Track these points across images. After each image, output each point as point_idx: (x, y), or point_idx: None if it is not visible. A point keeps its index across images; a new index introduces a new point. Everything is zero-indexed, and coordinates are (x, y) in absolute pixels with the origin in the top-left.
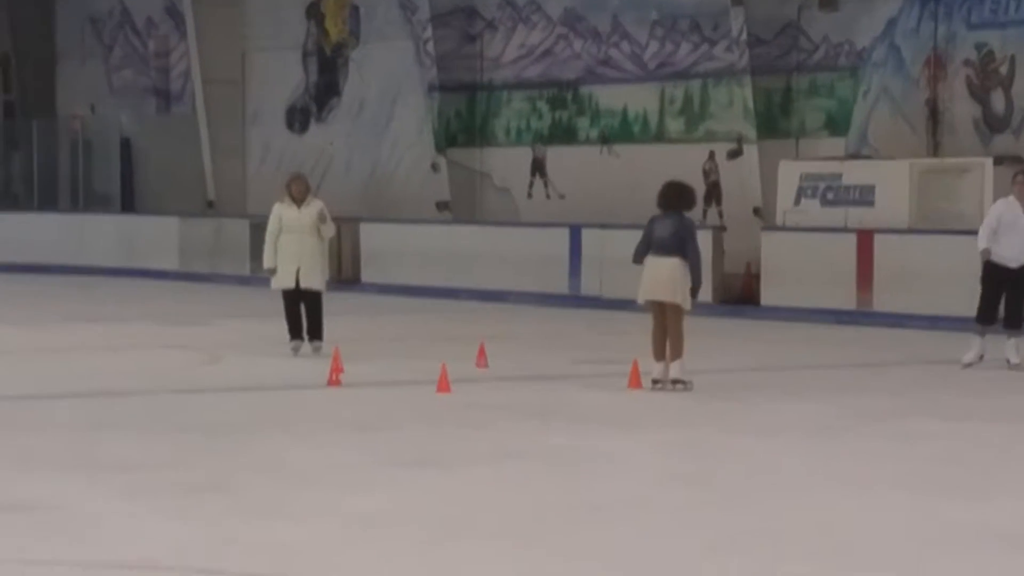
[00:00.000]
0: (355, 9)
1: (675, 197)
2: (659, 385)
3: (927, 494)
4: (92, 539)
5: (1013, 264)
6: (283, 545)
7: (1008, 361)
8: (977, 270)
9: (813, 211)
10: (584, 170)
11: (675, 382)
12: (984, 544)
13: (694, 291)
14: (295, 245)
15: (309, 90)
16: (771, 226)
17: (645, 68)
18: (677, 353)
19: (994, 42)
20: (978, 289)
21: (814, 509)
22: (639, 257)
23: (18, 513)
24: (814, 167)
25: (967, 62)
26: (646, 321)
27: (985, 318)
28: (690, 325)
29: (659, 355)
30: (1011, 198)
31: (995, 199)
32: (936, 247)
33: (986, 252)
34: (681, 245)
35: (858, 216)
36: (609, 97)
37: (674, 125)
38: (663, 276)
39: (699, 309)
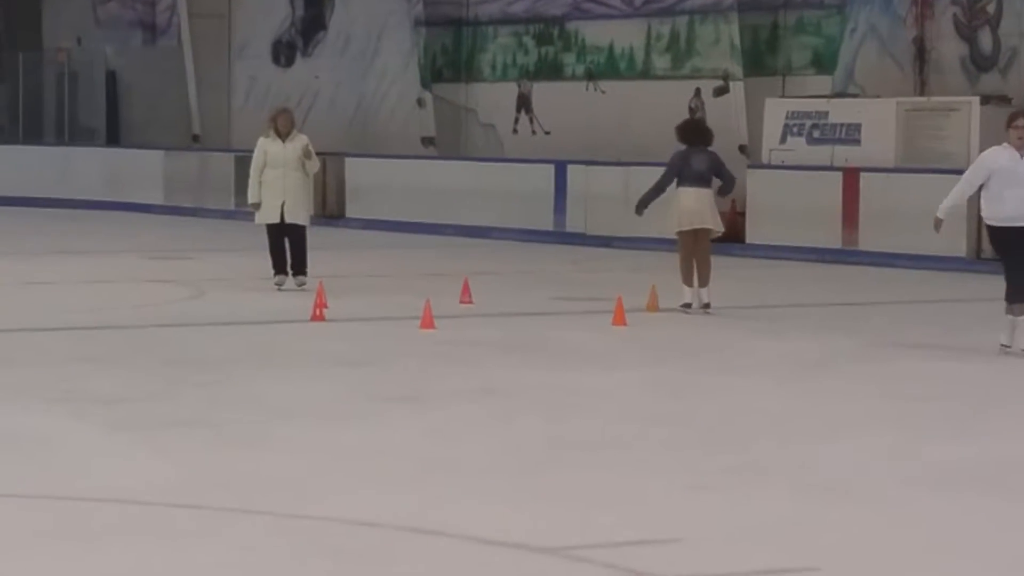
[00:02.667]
0: None
1: (704, 132)
2: (690, 309)
3: (909, 433)
4: (71, 473)
5: (1021, 223)
6: (264, 479)
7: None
8: (962, 208)
9: (799, 149)
10: (570, 106)
11: (707, 306)
12: (965, 483)
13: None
14: (280, 180)
15: (295, 24)
16: (757, 164)
17: (631, 4)
18: (709, 278)
19: None
20: (963, 228)
21: (796, 448)
22: (660, 191)
23: None
24: (800, 105)
25: (954, 1)
26: (631, 258)
27: (1015, 295)
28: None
29: (690, 281)
30: (1006, 146)
31: (981, 138)
32: (922, 186)
33: (940, 223)
34: (714, 176)
35: (844, 154)
36: (595, 33)
37: (660, 62)
38: (705, 205)
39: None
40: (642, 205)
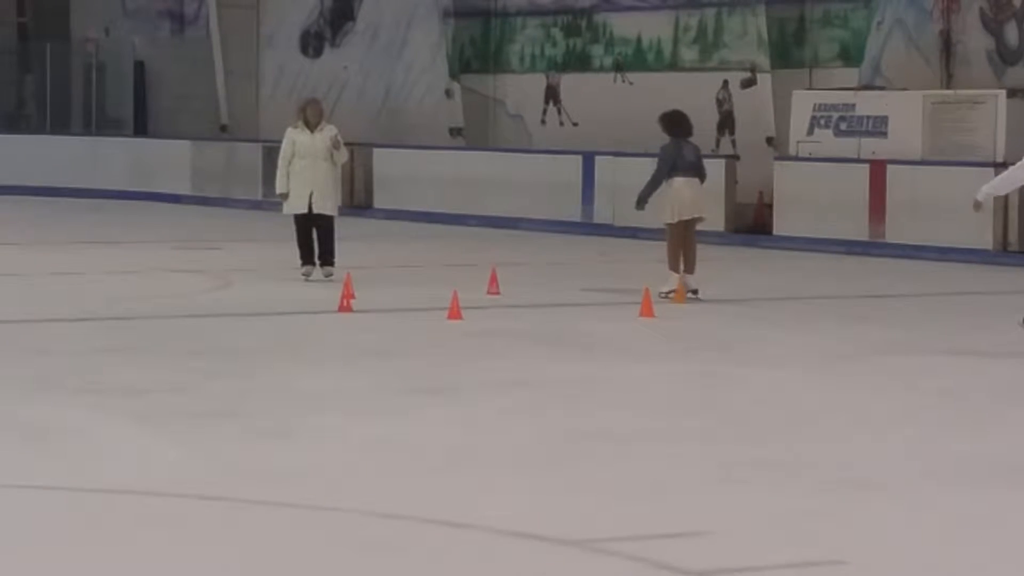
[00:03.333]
0: None
1: (688, 123)
2: (670, 296)
3: (935, 426)
4: (96, 465)
5: None
6: (290, 471)
7: None
8: (988, 200)
9: (826, 141)
10: (598, 98)
11: (695, 292)
12: (990, 477)
13: None
14: (308, 170)
15: (324, 14)
16: (784, 156)
17: None
18: (695, 265)
19: None
20: (989, 221)
21: (824, 441)
22: (657, 184)
23: (25, 436)
24: (827, 97)
25: None
26: (658, 249)
27: None
28: (704, 253)
29: (678, 268)
30: None
31: (1008, 131)
32: (948, 179)
33: (979, 205)
34: (702, 166)
35: (871, 147)
36: (623, 25)
37: (688, 54)
38: (699, 194)
39: (712, 237)
40: (643, 200)
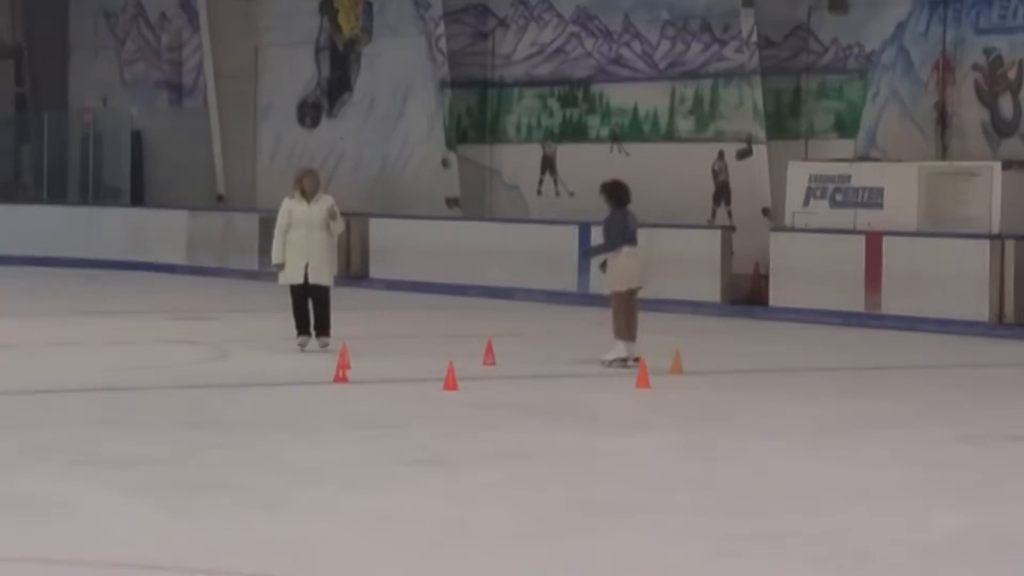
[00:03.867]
0: (368, 5)
1: (629, 193)
2: (626, 364)
3: (934, 500)
4: (92, 537)
5: None
6: (286, 544)
7: None
8: (985, 272)
9: (822, 212)
10: (594, 168)
11: (637, 359)
12: (989, 553)
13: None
14: (304, 240)
15: (321, 85)
16: (780, 227)
17: (656, 67)
18: (636, 332)
19: (1003, 47)
20: (985, 293)
21: (820, 514)
22: (611, 249)
23: (18, 509)
24: (823, 168)
25: (976, 66)
26: (654, 320)
27: None
28: (699, 325)
29: (624, 335)
30: None
31: (1003, 203)
32: (944, 250)
33: None
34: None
35: (867, 218)
36: (620, 96)
37: (684, 124)
38: (644, 263)
39: (708, 309)
40: (596, 259)
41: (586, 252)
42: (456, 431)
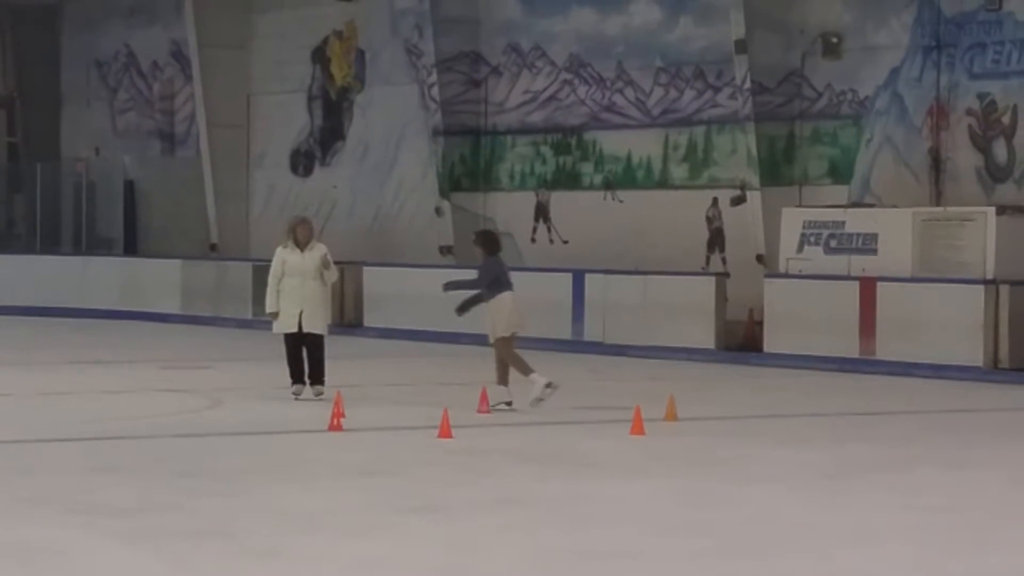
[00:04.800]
0: (360, 53)
1: (500, 242)
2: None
3: (928, 546)
4: None
5: None
6: None
7: None
8: (979, 318)
9: (816, 258)
10: (588, 215)
11: (509, 403)
12: None
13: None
14: (298, 289)
15: (313, 134)
16: (774, 273)
17: (649, 114)
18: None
19: (996, 92)
20: (980, 338)
21: (817, 560)
22: (481, 298)
23: (17, 556)
24: (817, 214)
25: (969, 111)
26: (648, 367)
27: None
28: (694, 371)
29: (527, 371)
30: None
31: (997, 248)
32: (939, 296)
33: None
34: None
35: (861, 264)
36: (613, 143)
37: (678, 171)
38: (523, 309)
39: (702, 355)
40: (465, 309)
41: (448, 285)
42: (452, 478)
